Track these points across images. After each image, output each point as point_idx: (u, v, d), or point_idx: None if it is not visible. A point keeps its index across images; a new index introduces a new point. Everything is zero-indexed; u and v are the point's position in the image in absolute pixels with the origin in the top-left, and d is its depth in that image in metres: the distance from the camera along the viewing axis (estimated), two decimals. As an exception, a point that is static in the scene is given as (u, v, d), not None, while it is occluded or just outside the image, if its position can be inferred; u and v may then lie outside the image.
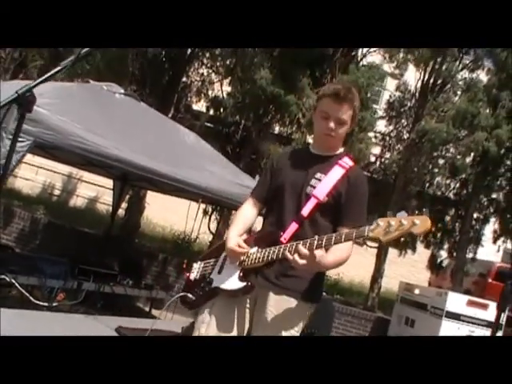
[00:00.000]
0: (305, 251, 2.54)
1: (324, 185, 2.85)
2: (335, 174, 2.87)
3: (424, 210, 11.05)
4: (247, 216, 3.07)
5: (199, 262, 3.13)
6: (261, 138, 10.86)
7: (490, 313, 7.44)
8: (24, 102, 2.14)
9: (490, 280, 17.35)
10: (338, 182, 2.85)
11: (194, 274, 3.12)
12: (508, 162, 11.69)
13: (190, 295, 3.03)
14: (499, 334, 6.73)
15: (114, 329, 5.68)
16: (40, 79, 2.22)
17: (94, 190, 16.21)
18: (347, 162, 2.93)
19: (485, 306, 7.56)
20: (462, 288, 14.43)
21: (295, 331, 2.87)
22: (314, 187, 2.86)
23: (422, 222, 2.38)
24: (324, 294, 6.14)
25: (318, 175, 2.88)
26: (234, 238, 2.89)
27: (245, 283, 2.85)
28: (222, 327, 2.88)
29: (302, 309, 2.87)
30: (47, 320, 5.58)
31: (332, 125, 2.83)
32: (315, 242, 2.54)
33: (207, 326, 2.89)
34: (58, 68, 2.28)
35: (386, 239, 2.44)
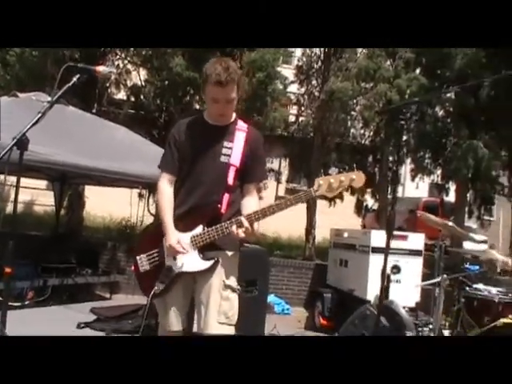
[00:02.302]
0: (247, 224, 2.88)
1: (236, 152, 3.11)
2: (239, 139, 3.15)
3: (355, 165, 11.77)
4: (171, 196, 3.19)
5: (141, 255, 3.21)
6: (183, 117, 11.35)
7: (410, 242, 8.38)
8: (21, 144, 2.61)
9: (419, 214, 18.55)
10: (244, 146, 3.14)
11: (143, 267, 3.20)
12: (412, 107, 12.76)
13: (158, 287, 3.10)
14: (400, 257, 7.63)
15: (87, 313, 6.27)
16: (31, 122, 2.67)
17: (29, 194, 16.29)
18: (243, 125, 3.23)
19: (404, 237, 8.47)
20: (394, 225, 15.49)
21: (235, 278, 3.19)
22: (229, 155, 3.11)
23: (358, 177, 2.78)
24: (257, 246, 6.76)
25: (226, 143, 3.13)
26: (174, 234, 3.06)
27: (212, 260, 3.06)
28: (183, 302, 3.15)
29: (235, 258, 3.21)
30: (25, 316, 6.07)
31: (223, 106, 3.08)
32: (270, 209, 2.88)
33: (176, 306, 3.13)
34: (46, 107, 2.74)
35: (332, 195, 2.84)
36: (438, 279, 4.71)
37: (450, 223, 4.94)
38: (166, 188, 3.20)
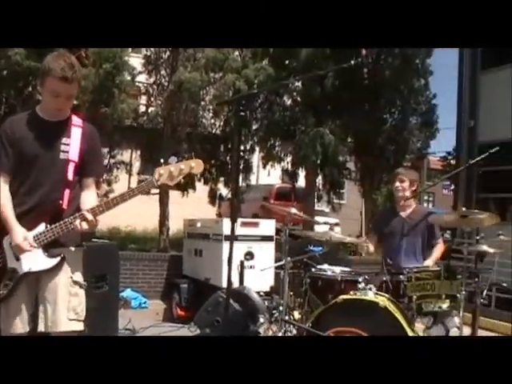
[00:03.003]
0: (91, 217, 2.91)
1: (73, 148, 3.12)
2: (76, 135, 3.16)
3: (193, 153, 11.84)
4: (8, 195, 3.09)
5: None
6: (25, 108, 10.81)
7: (262, 229, 8.61)
8: None
9: (272, 201, 19.06)
10: (81, 141, 3.16)
11: None
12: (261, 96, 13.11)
13: (2, 291, 3.00)
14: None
15: None
16: None
17: None
18: (78, 120, 3.24)
19: (256, 224, 8.69)
20: (250, 213, 15.80)
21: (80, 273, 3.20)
22: (67, 152, 3.11)
23: (196, 164, 2.91)
24: (106, 241, 6.64)
25: (64, 140, 3.13)
26: (20, 232, 3.00)
27: (57, 258, 3.04)
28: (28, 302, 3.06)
29: (80, 253, 3.22)
30: None
31: (63, 102, 3.09)
32: (113, 201, 2.92)
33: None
34: None
35: (174, 183, 2.92)
36: (282, 262, 4.87)
37: (293, 210, 5.10)
38: (2, 187, 3.08)
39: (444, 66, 17.27)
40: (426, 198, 32.72)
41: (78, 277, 3.16)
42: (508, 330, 5.36)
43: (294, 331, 4.81)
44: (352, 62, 3.67)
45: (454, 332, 4.47)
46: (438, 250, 5.04)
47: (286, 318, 4.83)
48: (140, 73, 12.16)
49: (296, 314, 5.28)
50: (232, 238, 3.45)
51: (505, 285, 6.00)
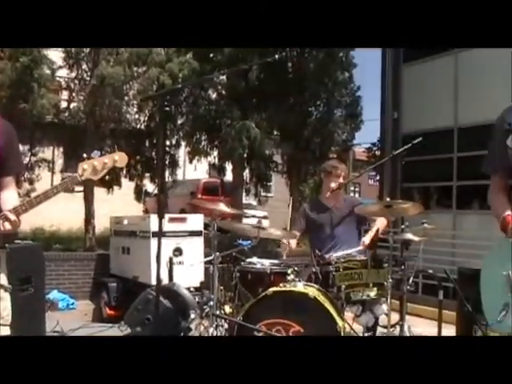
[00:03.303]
0: (14, 217, 2.78)
1: None
2: None
3: (116, 145, 11.62)
4: None
5: None
6: None
7: (190, 224, 8.57)
8: None
9: (199, 196, 19.02)
10: None
11: None
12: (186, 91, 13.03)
13: None
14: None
15: None
16: None
17: None
18: None
19: (184, 220, 8.65)
20: (177, 209, 15.67)
21: None
22: None
23: (120, 157, 2.85)
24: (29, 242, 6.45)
25: None
26: None
27: None
28: None
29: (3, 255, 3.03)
30: None
31: None
32: (36, 199, 2.80)
33: None
34: None
35: (98, 177, 2.85)
36: (211, 257, 4.85)
37: (221, 205, 5.09)
38: None
39: (368, 59, 17.64)
40: (352, 188, 33.51)
41: (2, 280, 3.00)
42: (434, 315, 5.54)
43: (226, 325, 4.80)
44: (276, 57, 3.68)
45: (382, 319, 4.58)
46: (378, 224, 5.08)
47: (217, 312, 4.81)
48: (60, 67, 11.83)
49: (227, 308, 5.27)
50: (160, 234, 3.40)
51: (430, 271, 6.20)
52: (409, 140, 5.11)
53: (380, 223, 5.10)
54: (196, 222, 8.68)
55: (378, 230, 4.96)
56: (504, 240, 2.60)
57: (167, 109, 3.72)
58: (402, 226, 5.00)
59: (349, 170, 18.86)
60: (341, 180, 5.25)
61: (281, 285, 4.40)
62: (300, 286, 4.30)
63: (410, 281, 4.75)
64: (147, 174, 13.37)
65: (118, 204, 13.45)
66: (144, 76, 11.31)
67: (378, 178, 16.86)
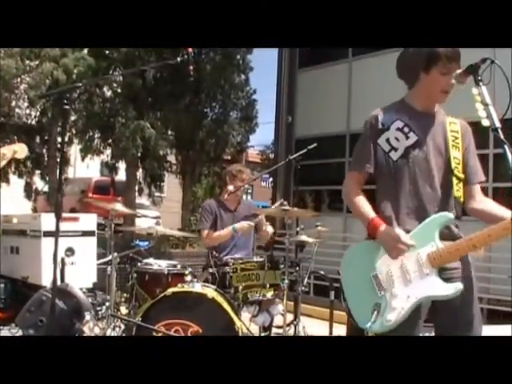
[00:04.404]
0: None
1: None
2: None
3: (15, 137, 11.20)
4: None
5: None
6: None
7: (82, 223, 8.38)
8: None
9: (90, 195, 18.58)
10: None
11: None
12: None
13: None
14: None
15: None
16: None
17: None
18: None
19: (76, 219, 8.45)
20: (68, 207, 15.24)
21: None
22: None
23: (20, 148, 2.85)
24: None
25: None
26: None
27: None
28: None
29: None
30: None
31: None
32: None
33: None
34: None
35: None
36: (109, 258, 4.84)
37: (117, 205, 5.08)
38: None
39: (264, 63, 18.02)
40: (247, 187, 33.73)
41: None
42: (326, 315, 5.80)
43: (123, 326, 4.81)
44: (178, 59, 3.74)
45: (278, 318, 4.76)
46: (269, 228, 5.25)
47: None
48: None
49: (123, 310, 5.28)
50: (57, 234, 3.38)
51: (322, 273, 6.48)
52: (302, 144, 5.30)
53: (271, 229, 5.30)
54: (89, 221, 8.52)
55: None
56: (366, 242, 2.72)
57: (67, 107, 3.67)
58: (297, 229, 5.21)
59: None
60: (235, 183, 5.33)
61: (179, 285, 4.47)
62: (198, 287, 4.39)
63: (305, 282, 4.98)
64: (37, 172, 12.95)
65: (6, 202, 12.92)
66: (37, 70, 10.98)
67: (271, 180, 17.25)
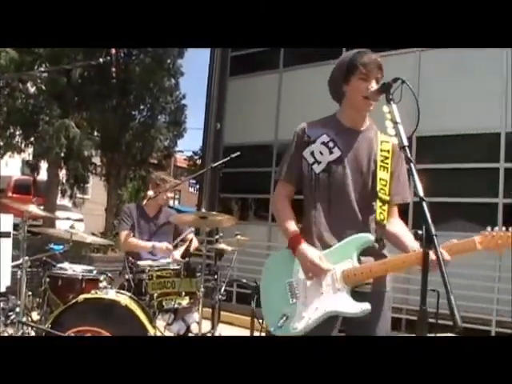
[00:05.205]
0: None
1: None
2: None
3: None
4: None
5: None
6: None
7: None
8: None
9: (9, 194, 18.05)
10: None
11: None
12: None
13: None
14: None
15: None
16: None
17: None
18: None
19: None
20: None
21: None
22: None
23: None
24: None
25: None
26: None
27: None
28: None
29: None
30: None
31: None
32: None
33: None
34: None
35: None
36: (20, 261, 4.64)
37: (32, 207, 4.88)
38: None
39: (195, 68, 18.00)
40: (172, 195, 33.56)
41: None
42: (247, 323, 5.77)
43: (33, 333, 4.61)
44: (101, 60, 3.64)
45: (193, 327, 4.69)
46: (191, 243, 5.16)
47: (24, 319, 4.60)
48: None
49: (34, 315, 5.06)
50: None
51: (244, 281, 6.47)
52: (230, 151, 5.27)
53: (194, 242, 5.21)
54: (5, 222, 8.18)
55: (189, 247, 5.02)
56: (287, 249, 2.71)
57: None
58: (216, 237, 5.15)
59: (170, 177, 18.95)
60: (157, 188, 5.25)
61: (92, 292, 4.33)
62: (111, 294, 4.26)
63: (223, 290, 4.91)
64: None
65: None
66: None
67: (197, 186, 17.17)
